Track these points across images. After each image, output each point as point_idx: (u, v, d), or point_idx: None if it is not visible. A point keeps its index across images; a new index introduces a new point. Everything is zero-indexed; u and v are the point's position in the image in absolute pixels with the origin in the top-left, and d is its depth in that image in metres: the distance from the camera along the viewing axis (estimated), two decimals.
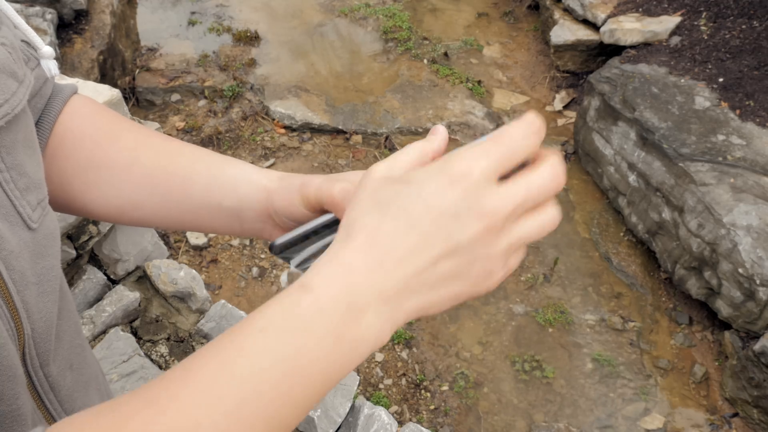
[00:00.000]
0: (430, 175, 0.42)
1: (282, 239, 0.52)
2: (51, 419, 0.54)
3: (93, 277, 2.30)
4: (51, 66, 0.61)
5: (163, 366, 2.15)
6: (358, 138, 3.82)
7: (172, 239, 3.02)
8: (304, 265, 0.53)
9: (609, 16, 3.90)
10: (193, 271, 2.40)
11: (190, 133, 3.73)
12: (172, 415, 0.37)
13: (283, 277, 0.52)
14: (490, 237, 0.42)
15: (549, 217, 0.44)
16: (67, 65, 3.34)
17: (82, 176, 0.63)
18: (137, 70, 4.03)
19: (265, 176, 0.59)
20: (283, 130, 3.82)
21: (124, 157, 0.62)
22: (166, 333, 2.27)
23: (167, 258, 2.57)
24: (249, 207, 0.59)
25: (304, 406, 0.41)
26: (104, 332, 2.18)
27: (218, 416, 0.38)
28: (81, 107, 0.65)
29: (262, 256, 3.08)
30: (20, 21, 0.57)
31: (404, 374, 2.69)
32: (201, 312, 2.33)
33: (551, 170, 0.43)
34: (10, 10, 0.55)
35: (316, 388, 0.40)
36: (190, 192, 0.61)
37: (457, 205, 0.41)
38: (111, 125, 0.65)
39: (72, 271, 2.25)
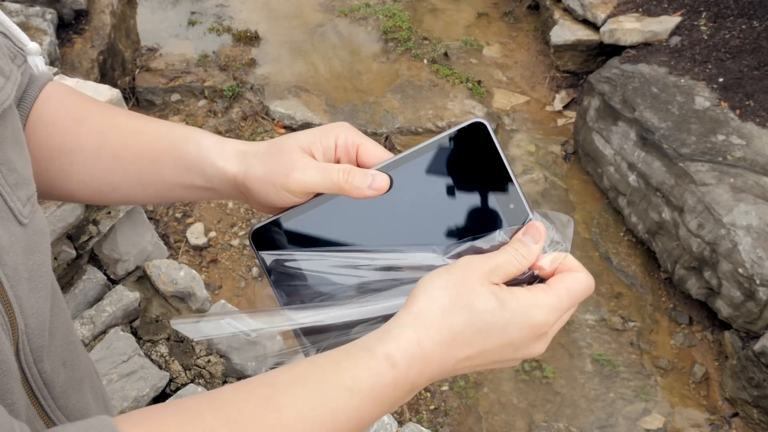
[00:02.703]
0: (520, 324, 0.53)
1: (259, 224, 0.59)
2: (45, 415, 0.54)
3: (93, 277, 2.30)
4: (38, 62, 0.62)
5: (162, 366, 2.14)
6: None
7: (172, 239, 3.02)
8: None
9: (609, 16, 3.90)
10: (193, 271, 2.40)
11: None
12: None
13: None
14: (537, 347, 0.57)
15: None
16: (67, 65, 3.34)
17: (57, 162, 0.64)
18: (137, 70, 4.03)
19: (225, 159, 0.60)
20: (283, 130, 3.82)
21: (93, 140, 0.63)
22: (166, 333, 2.27)
23: (167, 258, 2.57)
24: (219, 186, 0.61)
25: None
26: (104, 332, 2.18)
27: None
28: (53, 94, 0.65)
29: None
30: (5, 18, 0.58)
31: None
32: (201, 312, 2.33)
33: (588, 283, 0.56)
34: None
35: None
36: (161, 173, 0.62)
37: (524, 344, 0.55)
38: (79, 109, 0.65)
39: (72, 271, 2.25)
